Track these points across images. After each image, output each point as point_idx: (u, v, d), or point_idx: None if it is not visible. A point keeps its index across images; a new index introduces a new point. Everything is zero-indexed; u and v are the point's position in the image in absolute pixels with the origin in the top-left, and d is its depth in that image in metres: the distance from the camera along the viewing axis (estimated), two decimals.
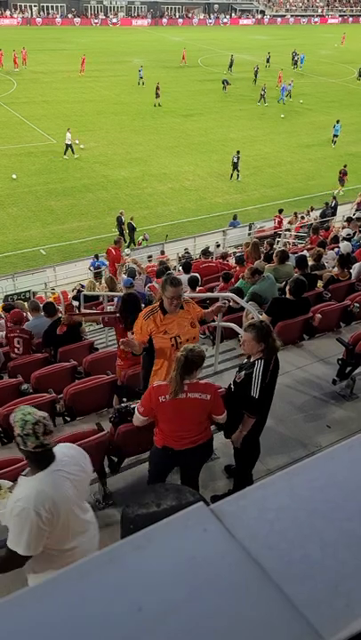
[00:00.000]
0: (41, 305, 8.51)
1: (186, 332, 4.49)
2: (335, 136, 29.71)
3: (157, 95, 33.94)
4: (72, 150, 25.94)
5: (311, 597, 0.63)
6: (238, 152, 24.82)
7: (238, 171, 24.92)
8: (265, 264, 8.78)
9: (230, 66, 43.00)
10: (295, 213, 19.74)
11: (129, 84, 38.87)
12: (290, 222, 19.17)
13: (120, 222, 19.31)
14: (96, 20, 65.36)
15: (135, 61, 45.21)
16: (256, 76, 41.08)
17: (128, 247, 18.20)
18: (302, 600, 0.63)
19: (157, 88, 33.83)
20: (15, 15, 62.07)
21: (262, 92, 35.49)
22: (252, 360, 4.10)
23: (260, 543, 0.70)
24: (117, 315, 5.99)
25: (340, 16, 79.93)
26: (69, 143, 25.74)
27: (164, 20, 68.96)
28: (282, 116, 33.62)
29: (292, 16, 76.61)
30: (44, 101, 34.10)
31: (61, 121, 30.80)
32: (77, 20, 64.38)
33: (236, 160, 24.68)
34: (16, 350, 7.69)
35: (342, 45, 53.27)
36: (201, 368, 3.75)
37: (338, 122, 29.31)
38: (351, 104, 36.47)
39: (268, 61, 44.97)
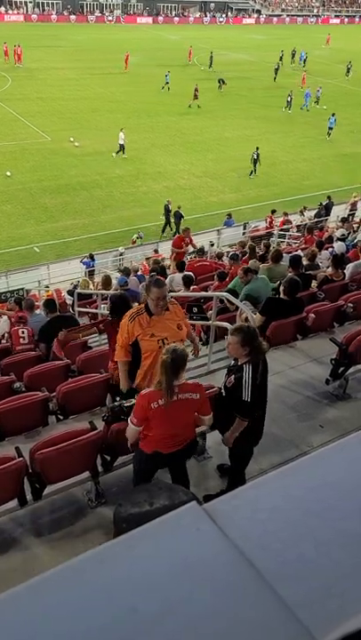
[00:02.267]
0: (36, 303, 8.52)
1: (173, 334, 4.48)
2: (330, 129, 30.21)
3: (195, 97, 33.53)
4: (123, 150, 25.95)
5: (305, 598, 0.63)
6: (258, 148, 25.43)
7: (256, 167, 25.46)
8: (259, 263, 8.78)
9: (210, 64, 42.73)
10: (285, 213, 19.80)
11: (124, 81, 38.77)
12: (282, 223, 19.21)
13: (167, 211, 19.75)
14: (92, 17, 65.13)
15: (131, 59, 45.09)
16: (276, 74, 41.43)
17: (174, 235, 18.60)
18: (296, 600, 0.62)
19: (196, 90, 33.50)
20: (11, 12, 61.73)
21: (289, 99, 34.40)
22: (239, 363, 4.09)
23: (254, 543, 0.69)
24: (109, 318, 5.98)
25: (335, 16, 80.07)
26: (122, 143, 25.81)
27: (160, 18, 68.82)
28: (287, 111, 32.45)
29: (288, 16, 76.66)
30: (38, 98, 33.95)
31: (56, 118, 30.69)
32: (73, 17, 64.12)
33: (256, 157, 25.28)
34: (21, 340, 7.75)
35: (328, 45, 53.06)
36: (186, 368, 3.74)
37: (333, 115, 29.92)
38: (347, 104, 36.53)
39: (280, 59, 44.82)
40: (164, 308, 4.48)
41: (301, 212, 20.19)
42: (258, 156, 25.27)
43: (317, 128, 31.93)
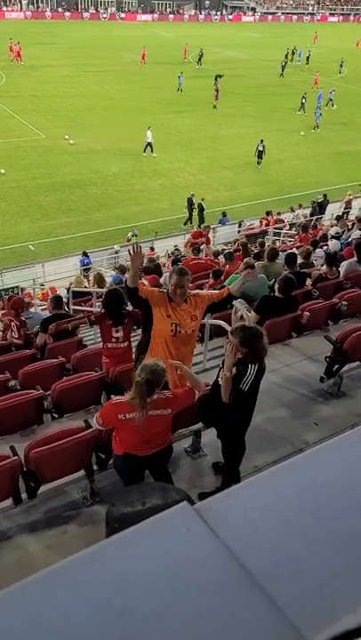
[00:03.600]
0: (31, 301, 8.56)
1: (186, 324, 4.57)
2: (317, 121, 30.80)
3: (216, 97, 33.32)
4: (151, 149, 26.04)
5: (295, 598, 0.62)
6: (262, 140, 25.87)
7: (261, 159, 25.89)
8: (254, 261, 8.78)
9: (199, 60, 42.49)
10: (278, 213, 19.85)
11: (119, 79, 38.65)
12: (274, 222, 19.25)
13: (190, 203, 20.29)
14: (86, 14, 64.86)
15: (125, 56, 44.99)
16: (283, 70, 41.63)
17: (199, 226, 19.02)
18: (286, 600, 0.62)
19: (217, 90, 33.30)
20: (6, 9, 61.39)
21: (303, 101, 33.92)
22: (241, 356, 4.11)
23: (245, 543, 0.69)
24: (102, 311, 5.98)
25: (330, 14, 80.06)
26: (150, 141, 25.89)
27: (155, 16, 68.62)
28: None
29: (283, 13, 76.60)
30: (33, 95, 33.79)
31: (51, 116, 30.56)
32: (68, 14, 63.83)
33: (261, 149, 25.77)
34: (13, 334, 7.88)
35: (315, 44, 52.94)
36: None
37: (319, 108, 30.85)
38: (343, 104, 36.54)
39: (286, 56, 44.73)
40: (182, 297, 4.57)
41: (292, 209, 20.20)
42: (263, 147, 25.81)
43: (322, 128, 31.90)
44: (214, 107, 33.68)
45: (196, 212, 20.33)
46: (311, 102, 33.40)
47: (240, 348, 4.01)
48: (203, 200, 20.17)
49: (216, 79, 37.37)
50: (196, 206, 20.16)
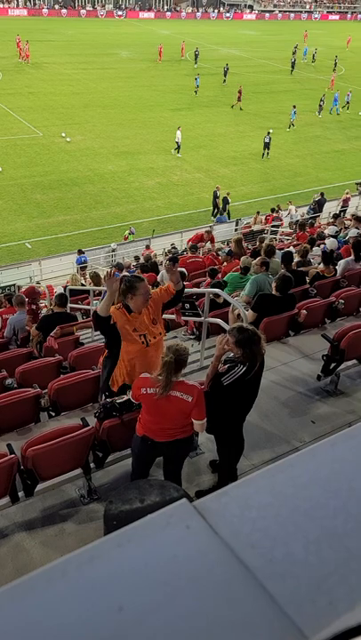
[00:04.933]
0: (26, 299, 8.48)
1: (151, 331, 4.43)
2: (292, 120, 30.68)
3: (239, 99, 33.25)
4: (178, 149, 26.30)
5: (294, 595, 0.62)
6: (269, 132, 26.62)
7: (269, 149, 26.59)
8: (252, 259, 8.78)
9: (195, 59, 42.46)
10: (272, 210, 19.87)
11: (116, 76, 38.57)
12: (265, 220, 19.25)
13: (215, 196, 21.25)
14: (83, 12, 64.69)
15: (123, 54, 44.90)
16: (293, 68, 42.24)
17: (221, 215, 20.70)
18: (285, 598, 0.62)
19: (239, 92, 33.24)
20: (8, 6, 61.19)
21: (321, 103, 33.76)
22: (236, 357, 4.11)
23: (244, 541, 0.69)
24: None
25: (327, 12, 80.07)
26: (178, 141, 26.09)
27: (152, 13, 68.50)
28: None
29: (280, 11, 76.57)
30: (30, 93, 33.71)
31: (48, 113, 30.48)
32: (64, 11, 63.67)
33: (268, 140, 26.60)
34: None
35: (305, 42, 52.90)
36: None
37: (294, 107, 30.55)
38: (340, 103, 36.53)
39: (293, 54, 44.75)
40: (148, 300, 4.40)
41: (279, 208, 20.16)
42: (270, 139, 26.49)
43: (318, 126, 31.92)
44: (232, 106, 33.51)
45: (220, 205, 21.23)
46: (327, 105, 33.88)
47: (236, 348, 4.01)
48: (228, 194, 21.12)
49: (225, 73, 37.43)
50: (220, 199, 21.04)
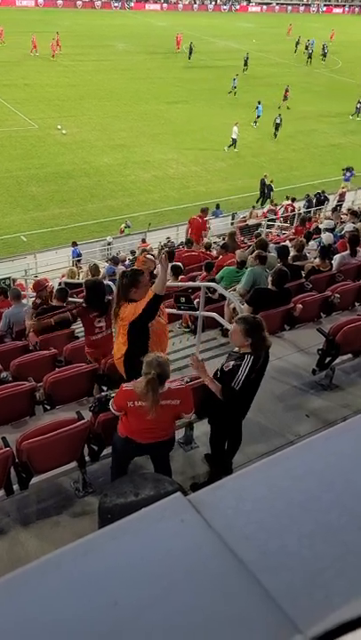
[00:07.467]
0: (22, 292, 8.45)
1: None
2: (258, 117, 30.03)
3: (285, 98, 32.89)
4: (234, 145, 26.32)
5: (289, 589, 0.63)
6: (280, 114, 27.78)
7: (278, 131, 27.77)
8: (247, 253, 8.78)
9: (190, 55, 41.81)
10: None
11: (112, 68, 38.31)
12: (265, 214, 19.23)
13: (263, 184, 21.83)
14: (79, 3, 64.09)
15: (119, 46, 44.56)
16: (310, 57, 42.66)
17: (265, 202, 21.55)
18: (280, 591, 0.62)
19: (286, 91, 33.02)
20: None
21: (358, 105, 32.79)
22: (241, 352, 4.10)
23: (238, 534, 0.69)
24: (84, 305, 5.95)
25: (325, 5, 79.67)
26: (235, 137, 26.06)
27: (149, 5, 67.94)
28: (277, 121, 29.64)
29: (277, 4, 76.10)
30: (25, 85, 33.41)
31: (44, 105, 30.26)
32: (60, 2, 63.04)
33: (278, 121, 27.68)
34: None
35: (289, 36, 52.36)
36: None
37: (259, 103, 30.03)
38: (337, 96, 36.44)
39: (306, 48, 44.61)
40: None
41: (294, 199, 20.17)
42: (281, 119, 27.54)
43: (315, 120, 31.84)
44: (279, 107, 32.09)
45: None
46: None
47: (243, 338, 4.00)
48: (272, 181, 21.83)
49: (245, 62, 38.42)
50: (266, 186, 21.69)
